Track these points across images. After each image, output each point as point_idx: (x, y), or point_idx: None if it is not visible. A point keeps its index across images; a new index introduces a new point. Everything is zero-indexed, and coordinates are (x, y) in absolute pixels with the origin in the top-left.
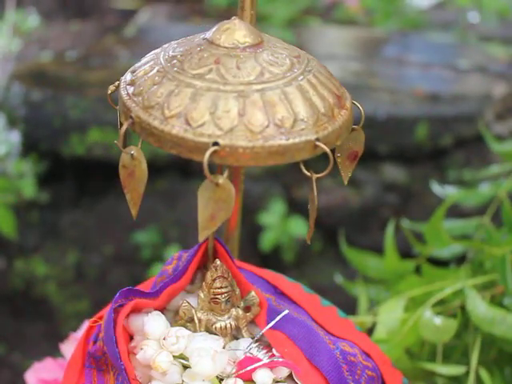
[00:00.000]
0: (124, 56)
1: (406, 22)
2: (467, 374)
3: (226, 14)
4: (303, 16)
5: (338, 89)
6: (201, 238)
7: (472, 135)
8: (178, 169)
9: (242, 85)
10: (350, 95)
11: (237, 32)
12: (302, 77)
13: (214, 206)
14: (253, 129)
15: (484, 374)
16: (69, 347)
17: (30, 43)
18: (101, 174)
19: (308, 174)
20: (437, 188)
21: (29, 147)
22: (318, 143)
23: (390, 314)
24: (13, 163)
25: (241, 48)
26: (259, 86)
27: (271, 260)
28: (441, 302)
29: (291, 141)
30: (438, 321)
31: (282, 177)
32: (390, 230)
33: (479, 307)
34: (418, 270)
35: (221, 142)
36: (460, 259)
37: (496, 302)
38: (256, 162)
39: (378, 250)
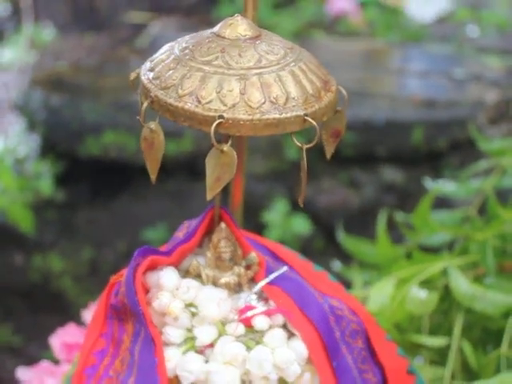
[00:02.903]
0: (137, 64)
1: (407, 35)
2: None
3: None
4: (308, 29)
5: (325, 75)
6: (209, 197)
7: (466, 139)
8: (185, 170)
9: (243, 69)
10: (335, 81)
11: (239, 27)
12: (293, 63)
13: (219, 169)
14: (252, 105)
15: (466, 346)
16: (89, 313)
17: (45, 55)
18: (115, 175)
19: (299, 144)
20: (429, 184)
21: (47, 149)
22: (306, 118)
23: (381, 291)
24: (31, 164)
25: (242, 39)
26: (257, 71)
27: None
28: (427, 282)
29: (284, 115)
30: (423, 294)
31: (285, 177)
32: (382, 218)
33: (461, 285)
34: (409, 257)
35: (225, 115)
36: (449, 249)
37: (478, 282)
38: (254, 133)
39: None
